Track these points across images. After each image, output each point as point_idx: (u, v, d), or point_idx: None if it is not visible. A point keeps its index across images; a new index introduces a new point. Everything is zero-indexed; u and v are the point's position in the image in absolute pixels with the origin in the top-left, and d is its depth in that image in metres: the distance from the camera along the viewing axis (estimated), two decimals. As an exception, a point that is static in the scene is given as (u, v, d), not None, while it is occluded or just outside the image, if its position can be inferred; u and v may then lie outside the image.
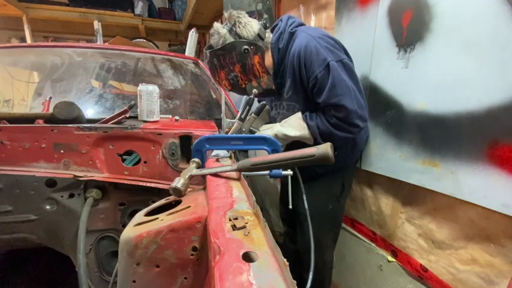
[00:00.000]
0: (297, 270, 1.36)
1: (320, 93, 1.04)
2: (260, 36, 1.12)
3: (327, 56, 1.01)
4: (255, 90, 1.14)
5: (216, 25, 1.12)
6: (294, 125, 1.12)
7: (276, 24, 1.20)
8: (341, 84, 1.00)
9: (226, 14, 1.13)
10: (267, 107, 1.37)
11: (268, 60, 1.16)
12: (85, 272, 0.94)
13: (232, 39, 1.09)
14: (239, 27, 1.09)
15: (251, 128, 1.23)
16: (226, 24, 1.12)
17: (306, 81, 1.08)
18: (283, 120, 1.16)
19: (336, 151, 1.05)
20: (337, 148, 1.11)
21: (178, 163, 1.14)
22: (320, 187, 1.21)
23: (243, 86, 1.16)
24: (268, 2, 2.37)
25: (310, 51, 1.03)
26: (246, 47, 1.09)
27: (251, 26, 1.10)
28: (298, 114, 1.13)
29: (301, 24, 1.18)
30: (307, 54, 1.03)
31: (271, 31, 1.20)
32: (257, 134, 1.18)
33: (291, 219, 1.43)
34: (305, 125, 1.10)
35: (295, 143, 1.15)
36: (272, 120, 1.34)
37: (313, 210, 1.13)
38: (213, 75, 1.19)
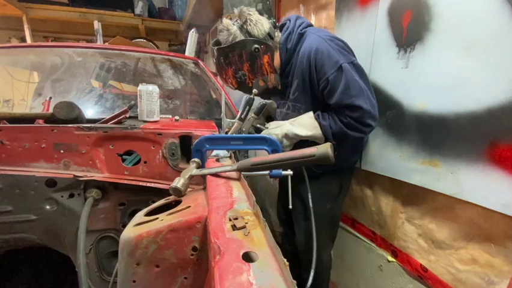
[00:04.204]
0: (295, 271, 1.36)
1: (332, 94, 1.03)
2: (270, 35, 1.10)
3: (339, 59, 1.01)
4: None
5: (226, 21, 1.09)
6: (306, 124, 1.11)
7: (284, 24, 1.18)
8: (355, 85, 1.00)
9: (236, 11, 1.10)
10: (274, 103, 1.36)
11: (276, 59, 1.15)
12: (85, 272, 0.94)
13: (242, 37, 1.06)
14: (250, 25, 1.07)
15: (258, 125, 1.22)
16: (237, 20, 1.09)
17: (315, 82, 1.07)
18: (292, 119, 1.15)
19: (336, 151, 1.05)
20: (336, 149, 1.11)
21: (178, 163, 1.14)
22: (318, 186, 1.21)
23: (250, 84, 1.15)
24: (268, 2, 2.37)
25: (321, 53, 1.02)
26: (256, 46, 1.07)
27: (262, 25, 1.08)
28: (310, 114, 1.11)
29: (310, 25, 1.17)
30: (318, 56, 1.03)
31: (280, 30, 1.18)
32: (265, 132, 1.16)
33: (289, 220, 1.43)
34: (317, 124, 1.09)
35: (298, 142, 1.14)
36: (274, 117, 1.33)
37: (309, 209, 1.12)
38: (219, 72, 1.16)
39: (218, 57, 1.11)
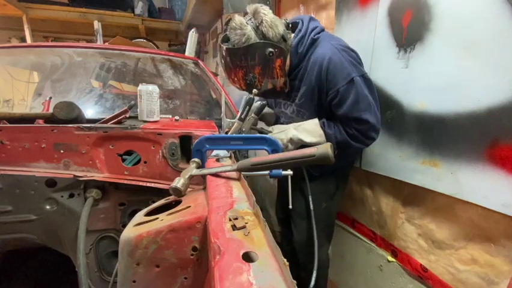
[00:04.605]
0: (294, 271, 1.36)
1: (340, 106, 1.03)
2: (284, 38, 1.06)
3: (351, 72, 1.00)
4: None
5: (239, 19, 1.02)
6: (310, 131, 1.10)
7: (295, 24, 1.14)
8: (364, 100, 1.01)
9: (249, 9, 1.05)
10: (273, 114, 1.34)
11: (287, 62, 1.12)
12: (85, 272, 0.94)
13: (257, 39, 1.01)
14: (265, 26, 1.01)
15: (262, 128, 1.21)
16: (251, 19, 1.04)
17: (324, 92, 1.06)
18: (297, 124, 1.14)
19: (335, 152, 1.05)
20: (336, 149, 1.11)
21: (178, 163, 1.14)
22: (315, 186, 1.21)
23: (259, 86, 1.11)
24: (268, 2, 2.37)
25: (334, 63, 1.01)
26: (271, 49, 1.02)
27: (276, 26, 1.03)
28: (315, 121, 1.11)
29: (323, 30, 1.14)
30: (331, 66, 1.01)
31: (292, 31, 1.14)
32: (269, 135, 1.16)
33: (287, 219, 1.42)
34: (322, 132, 1.09)
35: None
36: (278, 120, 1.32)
37: (307, 209, 1.12)
38: (227, 71, 1.12)
39: (227, 57, 1.06)
